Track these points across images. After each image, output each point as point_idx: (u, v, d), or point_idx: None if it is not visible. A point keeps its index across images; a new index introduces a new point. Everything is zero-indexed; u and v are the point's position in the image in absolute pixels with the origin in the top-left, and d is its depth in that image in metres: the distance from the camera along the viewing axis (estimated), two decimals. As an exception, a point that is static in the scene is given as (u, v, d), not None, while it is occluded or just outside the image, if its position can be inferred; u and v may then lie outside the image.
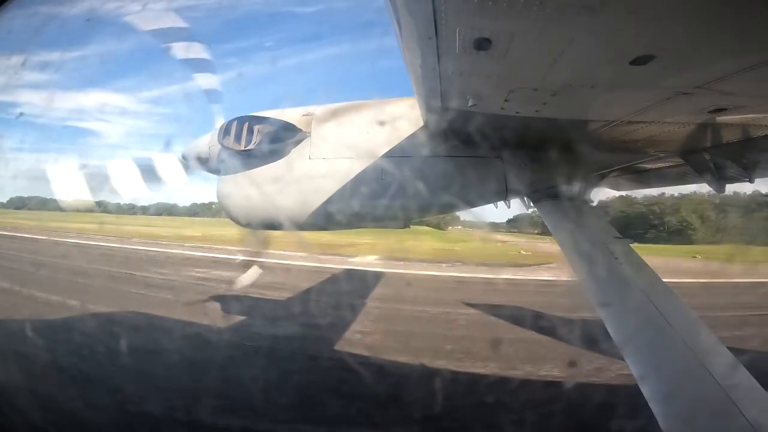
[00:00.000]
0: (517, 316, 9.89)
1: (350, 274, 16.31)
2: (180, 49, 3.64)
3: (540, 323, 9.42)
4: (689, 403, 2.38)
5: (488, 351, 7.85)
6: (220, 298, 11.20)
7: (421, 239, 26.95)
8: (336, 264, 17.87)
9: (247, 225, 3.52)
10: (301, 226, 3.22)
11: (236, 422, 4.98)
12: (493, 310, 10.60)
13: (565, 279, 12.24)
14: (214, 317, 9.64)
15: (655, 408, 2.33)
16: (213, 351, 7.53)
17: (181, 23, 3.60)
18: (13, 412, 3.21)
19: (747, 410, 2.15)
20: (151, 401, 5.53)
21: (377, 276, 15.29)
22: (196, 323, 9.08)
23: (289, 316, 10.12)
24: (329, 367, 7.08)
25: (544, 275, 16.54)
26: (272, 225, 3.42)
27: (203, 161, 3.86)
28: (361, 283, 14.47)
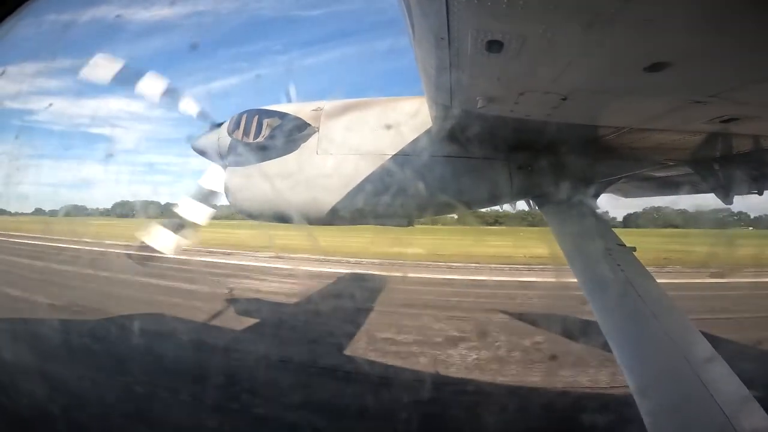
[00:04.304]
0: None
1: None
2: (146, 87, 3.54)
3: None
4: (677, 407, 2.43)
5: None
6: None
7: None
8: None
9: (253, 216, 3.54)
10: (305, 220, 3.23)
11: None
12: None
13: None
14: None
15: (641, 405, 2.40)
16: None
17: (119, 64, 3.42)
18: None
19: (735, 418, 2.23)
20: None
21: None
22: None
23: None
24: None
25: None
26: (276, 217, 3.43)
27: (212, 153, 3.88)
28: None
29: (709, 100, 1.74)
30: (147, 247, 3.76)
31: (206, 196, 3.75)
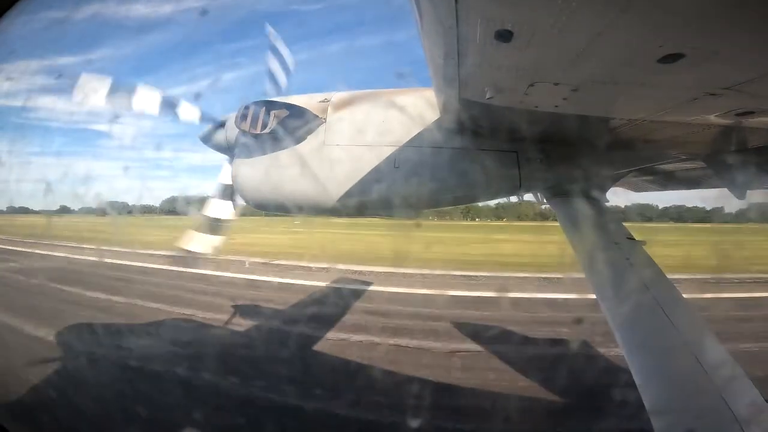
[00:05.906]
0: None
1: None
2: (141, 102, 3.63)
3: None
4: (685, 406, 2.41)
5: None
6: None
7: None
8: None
9: (259, 207, 3.58)
10: (312, 211, 3.25)
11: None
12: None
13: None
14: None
15: (651, 408, 2.38)
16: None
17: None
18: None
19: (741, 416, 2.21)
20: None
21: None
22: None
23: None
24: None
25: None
26: (283, 208, 3.46)
27: (220, 144, 3.91)
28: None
29: (723, 93, 1.70)
30: (189, 252, 3.99)
31: (229, 193, 3.84)
